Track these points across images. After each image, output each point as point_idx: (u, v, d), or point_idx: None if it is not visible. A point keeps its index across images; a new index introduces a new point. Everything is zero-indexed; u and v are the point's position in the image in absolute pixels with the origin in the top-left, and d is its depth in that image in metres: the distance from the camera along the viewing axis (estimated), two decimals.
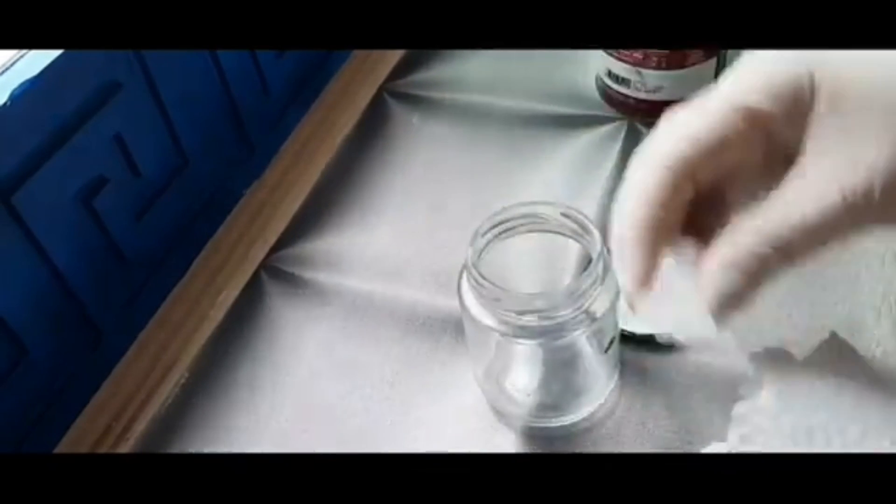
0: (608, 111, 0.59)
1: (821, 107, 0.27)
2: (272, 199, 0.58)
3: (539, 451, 0.42)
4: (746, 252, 0.27)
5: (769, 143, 0.28)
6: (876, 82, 0.26)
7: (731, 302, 0.28)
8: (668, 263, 0.30)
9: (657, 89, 0.56)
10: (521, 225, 0.41)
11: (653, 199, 0.29)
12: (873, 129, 0.25)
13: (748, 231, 0.27)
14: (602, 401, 0.43)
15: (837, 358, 0.34)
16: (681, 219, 0.30)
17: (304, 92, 0.64)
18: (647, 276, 0.29)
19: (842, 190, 0.25)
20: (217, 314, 0.51)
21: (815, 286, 0.46)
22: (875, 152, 0.25)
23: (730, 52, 0.56)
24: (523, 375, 0.44)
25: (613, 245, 0.32)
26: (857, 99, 0.26)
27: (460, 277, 0.40)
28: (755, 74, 0.28)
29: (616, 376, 0.43)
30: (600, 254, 0.38)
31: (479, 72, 0.64)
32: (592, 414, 0.42)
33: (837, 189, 0.25)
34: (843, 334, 0.43)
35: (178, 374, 0.48)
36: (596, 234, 0.38)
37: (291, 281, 0.52)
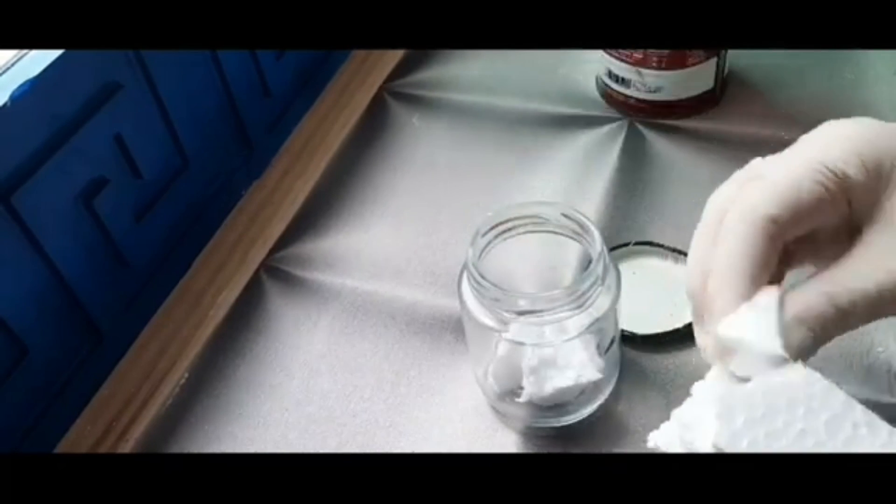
0: (608, 111, 0.59)
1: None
2: (272, 199, 0.58)
3: (539, 451, 0.42)
4: (816, 313, 0.29)
5: (848, 210, 0.29)
6: None
7: (798, 354, 0.29)
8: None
9: (657, 89, 0.56)
10: (522, 225, 0.41)
11: (751, 259, 0.29)
12: None
13: (819, 295, 0.29)
14: (602, 401, 0.43)
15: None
16: (767, 277, 0.30)
17: (304, 92, 0.64)
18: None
19: None
20: (217, 314, 0.51)
21: None
22: None
23: (730, 52, 0.57)
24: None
25: (695, 295, 0.32)
26: None
27: (460, 277, 0.40)
28: (844, 140, 0.29)
29: (616, 376, 0.43)
30: (600, 254, 0.38)
31: (479, 72, 0.64)
32: (592, 414, 0.43)
33: None
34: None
35: (178, 374, 0.48)
36: (596, 234, 0.38)
37: (291, 281, 0.52)
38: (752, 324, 0.30)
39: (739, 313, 0.30)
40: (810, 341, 0.29)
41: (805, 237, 0.31)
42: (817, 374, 0.33)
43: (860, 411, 0.32)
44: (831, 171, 0.28)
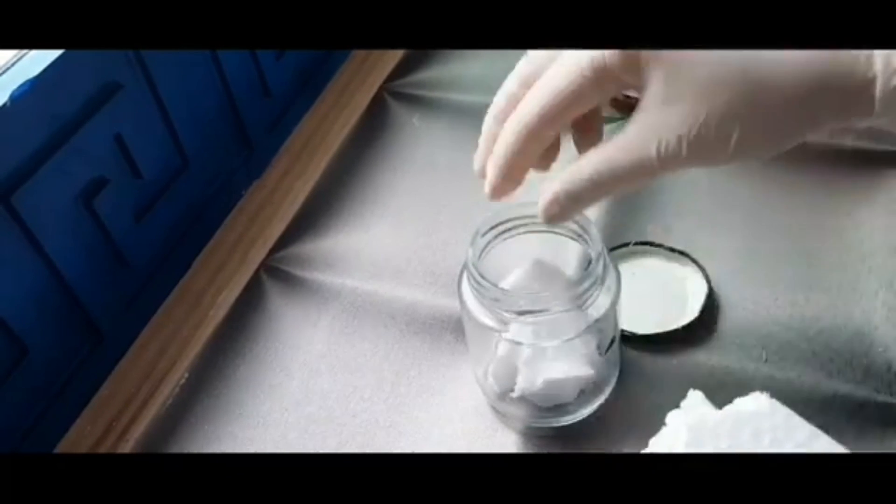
0: (608, 111, 0.59)
1: (653, 72, 0.32)
2: (272, 199, 0.58)
3: (539, 451, 0.42)
4: (575, 189, 0.34)
5: (619, 85, 0.33)
6: (698, 63, 0.31)
7: (558, 220, 0.35)
8: None
9: None
10: (522, 225, 0.41)
11: (515, 156, 0.37)
12: (688, 101, 0.31)
13: (580, 174, 0.34)
14: (602, 401, 0.43)
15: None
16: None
17: (304, 92, 0.64)
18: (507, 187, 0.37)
19: (657, 145, 0.32)
20: (217, 314, 0.51)
21: (815, 289, 0.46)
22: (688, 118, 0.31)
23: None
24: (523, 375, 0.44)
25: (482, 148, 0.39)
26: (682, 73, 0.31)
27: (460, 277, 0.40)
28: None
29: (616, 376, 0.43)
30: (600, 254, 0.38)
31: (479, 72, 0.64)
32: (592, 414, 0.43)
33: (654, 145, 0.32)
34: (844, 338, 0.43)
35: (178, 374, 0.48)
36: (596, 234, 0.38)
37: (291, 281, 0.52)
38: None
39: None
40: (568, 210, 0.35)
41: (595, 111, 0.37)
42: (781, 406, 0.33)
43: (825, 441, 0.32)
44: (587, 59, 0.33)
